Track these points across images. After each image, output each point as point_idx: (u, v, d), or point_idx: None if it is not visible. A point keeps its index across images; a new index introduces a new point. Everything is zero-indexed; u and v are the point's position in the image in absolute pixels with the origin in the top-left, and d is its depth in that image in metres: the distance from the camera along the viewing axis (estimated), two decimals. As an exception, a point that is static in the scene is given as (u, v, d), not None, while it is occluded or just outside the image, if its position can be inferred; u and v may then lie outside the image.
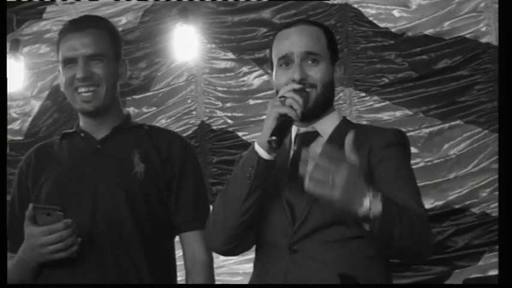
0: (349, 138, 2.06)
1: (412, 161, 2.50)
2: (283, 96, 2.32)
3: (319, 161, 1.99)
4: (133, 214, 2.57)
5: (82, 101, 2.63)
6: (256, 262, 2.45)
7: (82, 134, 2.70)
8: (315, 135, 2.48)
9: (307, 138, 2.48)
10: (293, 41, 2.44)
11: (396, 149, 2.38)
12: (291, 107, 2.27)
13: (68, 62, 2.64)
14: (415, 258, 2.45)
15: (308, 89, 2.39)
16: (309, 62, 2.42)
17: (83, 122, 2.73)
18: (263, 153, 2.32)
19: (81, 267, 2.50)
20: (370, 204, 2.02)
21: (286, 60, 2.43)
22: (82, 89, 2.61)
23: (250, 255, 4.27)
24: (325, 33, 2.51)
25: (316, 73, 2.41)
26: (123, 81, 2.77)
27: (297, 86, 2.34)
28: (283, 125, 2.31)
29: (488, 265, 4.47)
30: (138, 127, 2.78)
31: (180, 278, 2.76)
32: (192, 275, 2.68)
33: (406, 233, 2.11)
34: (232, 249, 2.47)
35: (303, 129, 2.49)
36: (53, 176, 2.66)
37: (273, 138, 2.27)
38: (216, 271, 4.94)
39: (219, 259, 4.92)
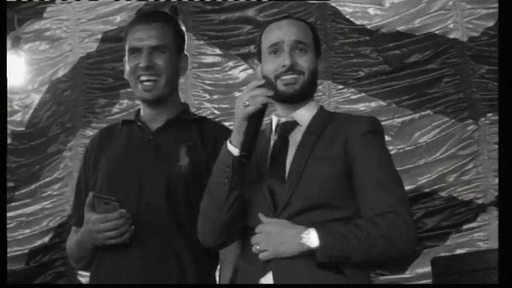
0: (261, 216, 2.22)
1: None
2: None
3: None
4: (171, 205, 2.57)
5: (143, 90, 2.63)
6: (242, 249, 2.44)
7: (139, 123, 2.70)
8: (294, 124, 2.47)
9: (287, 128, 2.48)
10: (284, 31, 2.48)
11: (373, 138, 2.38)
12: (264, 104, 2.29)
13: (134, 51, 2.64)
14: (393, 260, 2.38)
15: (296, 75, 2.42)
16: (297, 51, 2.44)
17: (143, 110, 2.73)
18: (236, 152, 2.32)
19: (127, 253, 2.52)
20: (307, 239, 2.14)
21: (275, 48, 2.46)
22: (144, 77, 2.62)
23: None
24: (311, 28, 2.56)
25: (304, 61, 2.45)
26: (183, 74, 2.77)
27: (258, 83, 2.34)
28: (251, 130, 2.31)
29: (455, 245, 4.47)
30: (193, 120, 2.77)
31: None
32: (223, 267, 2.63)
33: (363, 249, 2.18)
34: (224, 243, 2.48)
35: (283, 119, 2.49)
36: (109, 160, 2.67)
37: (243, 154, 2.31)
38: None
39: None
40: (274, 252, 2.15)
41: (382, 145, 2.41)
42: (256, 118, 2.31)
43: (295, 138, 2.44)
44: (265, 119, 2.36)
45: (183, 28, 2.80)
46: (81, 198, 2.70)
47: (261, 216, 2.20)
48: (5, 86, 2.75)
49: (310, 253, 2.14)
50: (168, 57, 2.65)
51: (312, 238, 2.13)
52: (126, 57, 2.68)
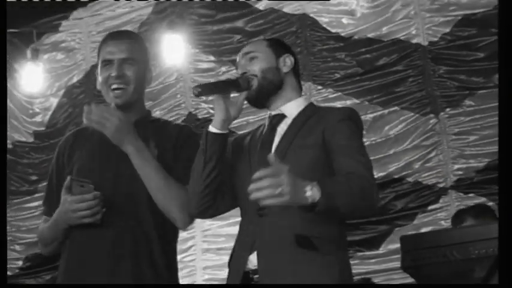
0: (271, 157, 2.07)
1: None
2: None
3: (263, 179, 2.01)
4: (144, 191, 2.54)
5: (114, 96, 2.59)
6: (238, 234, 2.45)
7: None
8: (282, 117, 2.48)
9: (276, 119, 2.49)
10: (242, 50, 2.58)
11: (346, 123, 2.37)
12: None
13: (106, 63, 2.63)
14: (363, 214, 2.42)
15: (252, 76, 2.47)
16: (247, 60, 2.52)
17: None
18: (210, 128, 2.39)
19: (101, 232, 2.51)
20: (311, 193, 2.06)
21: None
22: (115, 85, 2.59)
23: (231, 219, 4.37)
24: (268, 40, 2.62)
25: (253, 66, 2.48)
26: (148, 84, 2.75)
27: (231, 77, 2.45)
28: (221, 83, 2.41)
29: (421, 224, 4.48)
30: (156, 121, 2.78)
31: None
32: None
33: (348, 200, 2.15)
34: (204, 212, 2.49)
35: (273, 113, 2.51)
36: (84, 155, 2.66)
37: (216, 131, 2.37)
38: (203, 233, 5.03)
39: (205, 223, 4.99)
40: (290, 199, 2.01)
41: (355, 130, 2.39)
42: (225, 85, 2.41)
43: (283, 128, 2.45)
44: (263, 115, 2.40)
45: (148, 46, 2.83)
46: (52, 190, 2.70)
47: (271, 157, 2.04)
48: (5, 86, 2.71)
49: (311, 205, 2.07)
50: (136, 68, 2.64)
51: (314, 191, 2.05)
52: (99, 70, 2.67)
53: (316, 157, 2.35)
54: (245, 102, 2.46)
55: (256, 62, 2.50)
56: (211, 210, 2.49)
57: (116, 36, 2.74)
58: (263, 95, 2.48)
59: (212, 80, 2.50)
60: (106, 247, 2.52)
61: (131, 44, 2.68)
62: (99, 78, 2.66)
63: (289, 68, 2.53)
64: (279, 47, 2.58)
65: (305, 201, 2.06)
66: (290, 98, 2.51)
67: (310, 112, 2.47)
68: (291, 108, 2.49)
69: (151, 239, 2.55)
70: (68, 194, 2.48)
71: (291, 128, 2.44)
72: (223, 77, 2.49)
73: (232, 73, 2.53)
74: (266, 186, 1.99)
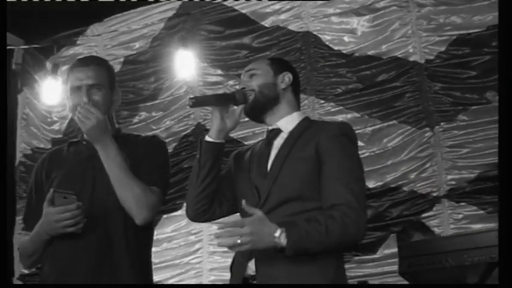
0: (245, 204, 2.18)
1: (360, 152, 2.52)
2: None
3: (225, 229, 2.11)
4: (118, 200, 2.59)
5: None
6: None
7: (84, 142, 2.74)
8: (278, 131, 2.50)
9: (272, 134, 2.51)
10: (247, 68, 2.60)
11: (338, 139, 2.37)
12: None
13: (75, 90, 2.67)
14: (343, 248, 2.39)
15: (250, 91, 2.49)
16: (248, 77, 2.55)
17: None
18: (206, 137, 2.44)
19: (79, 240, 2.54)
20: (278, 240, 2.13)
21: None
22: None
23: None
24: (270, 59, 2.64)
25: (252, 82, 2.51)
26: (116, 105, 2.81)
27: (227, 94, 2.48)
28: (215, 97, 2.46)
29: (415, 230, 4.48)
30: (125, 136, 2.82)
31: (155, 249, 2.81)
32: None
33: (319, 243, 2.17)
34: (199, 215, 2.53)
35: (270, 127, 2.53)
36: (61, 172, 2.69)
37: (210, 140, 2.42)
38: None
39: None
40: (252, 247, 2.13)
41: (347, 146, 2.38)
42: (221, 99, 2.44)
43: (279, 142, 2.47)
44: (260, 128, 2.41)
45: (113, 68, 2.87)
46: (32, 206, 2.74)
47: (244, 205, 2.19)
48: (5, 87, 2.71)
49: (280, 249, 2.14)
50: (104, 93, 2.69)
51: (282, 239, 2.12)
52: (69, 95, 2.69)
53: (310, 169, 2.34)
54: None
55: (255, 78, 2.53)
56: (207, 215, 2.54)
57: (82, 62, 2.76)
58: (259, 108, 2.51)
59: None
60: (84, 254, 2.55)
61: (97, 70, 2.71)
62: (70, 103, 2.69)
63: (286, 85, 2.55)
64: (278, 65, 2.60)
65: (273, 245, 2.14)
66: (286, 113, 2.53)
67: (305, 126, 2.49)
68: (287, 122, 2.51)
69: (114, 244, 2.58)
70: (50, 206, 2.49)
71: (286, 142, 2.45)
72: (220, 91, 2.52)
73: (229, 87, 2.58)
74: (227, 236, 2.10)
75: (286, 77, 2.56)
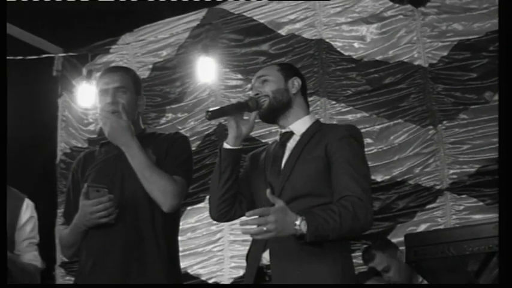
0: (269, 193, 2.16)
1: (367, 148, 2.51)
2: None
3: (253, 217, 2.10)
4: (147, 193, 2.60)
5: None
6: None
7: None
8: (291, 134, 2.51)
9: (285, 136, 2.51)
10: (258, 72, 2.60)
11: (346, 140, 2.37)
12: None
13: (103, 93, 2.70)
14: (355, 235, 2.43)
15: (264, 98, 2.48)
16: (260, 83, 2.54)
17: None
18: (224, 145, 2.44)
19: (111, 231, 2.57)
20: (299, 227, 2.12)
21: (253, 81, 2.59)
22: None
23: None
24: (279, 65, 2.62)
25: (265, 88, 2.51)
26: (141, 110, 2.81)
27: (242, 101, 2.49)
28: (230, 107, 2.42)
29: (420, 220, 4.45)
30: (150, 134, 2.82)
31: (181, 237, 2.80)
32: None
33: (336, 229, 2.17)
34: (222, 216, 2.53)
35: (283, 130, 2.53)
36: (94, 169, 2.73)
37: (229, 147, 2.41)
38: (230, 227, 5.01)
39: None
40: (276, 234, 2.11)
41: (354, 146, 2.38)
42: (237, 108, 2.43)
43: (292, 144, 2.48)
44: (275, 127, 2.39)
45: (139, 76, 2.89)
46: (70, 202, 2.77)
47: (269, 195, 2.16)
48: (5, 87, 2.67)
49: (300, 236, 2.14)
50: (128, 96, 2.70)
51: (302, 226, 2.12)
52: (98, 98, 2.73)
53: (319, 167, 2.35)
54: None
55: (267, 84, 2.52)
56: (228, 216, 2.54)
57: (110, 70, 2.85)
58: (273, 113, 2.51)
59: (231, 101, 2.53)
60: (119, 242, 2.57)
61: (123, 75, 2.75)
62: (99, 105, 2.72)
63: (297, 89, 2.56)
64: (288, 70, 2.60)
65: (294, 232, 2.12)
66: (298, 116, 2.53)
67: (315, 129, 2.49)
68: (299, 125, 2.51)
69: (144, 235, 2.60)
70: (86, 200, 2.51)
71: (298, 144, 2.45)
72: (234, 101, 2.51)
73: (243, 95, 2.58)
74: (253, 223, 2.08)
75: (296, 82, 2.56)
